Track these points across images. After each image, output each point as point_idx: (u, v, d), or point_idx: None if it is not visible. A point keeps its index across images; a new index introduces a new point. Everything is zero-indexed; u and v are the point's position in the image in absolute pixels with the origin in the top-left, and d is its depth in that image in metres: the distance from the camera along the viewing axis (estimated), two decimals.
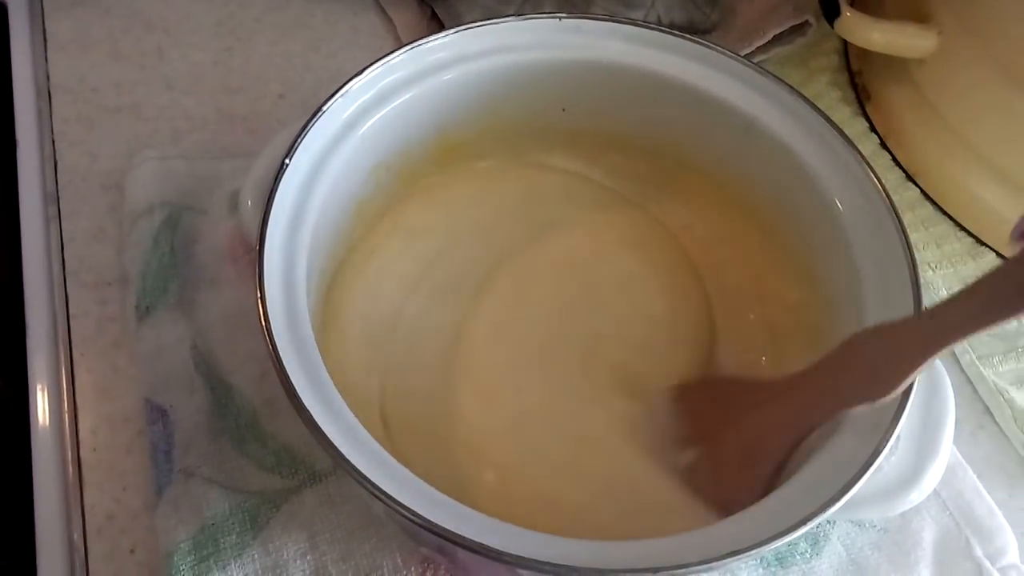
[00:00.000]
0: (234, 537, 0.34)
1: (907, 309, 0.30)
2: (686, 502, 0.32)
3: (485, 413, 0.35)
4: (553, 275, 0.38)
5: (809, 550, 0.36)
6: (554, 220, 0.40)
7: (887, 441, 0.27)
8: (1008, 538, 0.37)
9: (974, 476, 0.39)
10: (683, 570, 0.24)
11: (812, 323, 0.35)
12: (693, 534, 0.25)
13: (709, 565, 0.24)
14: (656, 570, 0.24)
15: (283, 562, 0.34)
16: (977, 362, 0.42)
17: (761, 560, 0.36)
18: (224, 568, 0.33)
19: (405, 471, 0.25)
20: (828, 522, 0.37)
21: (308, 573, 0.34)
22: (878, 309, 0.31)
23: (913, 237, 0.31)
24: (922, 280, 0.31)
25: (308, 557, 0.34)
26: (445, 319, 0.36)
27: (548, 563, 0.23)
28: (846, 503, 0.26)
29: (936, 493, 0.38)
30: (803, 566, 0.36)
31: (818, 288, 0.35)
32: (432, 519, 0.24)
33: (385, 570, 0.34)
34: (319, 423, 0.25)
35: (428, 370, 0.35)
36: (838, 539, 0.37)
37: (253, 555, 0.34)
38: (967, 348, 0.42)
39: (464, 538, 0.23)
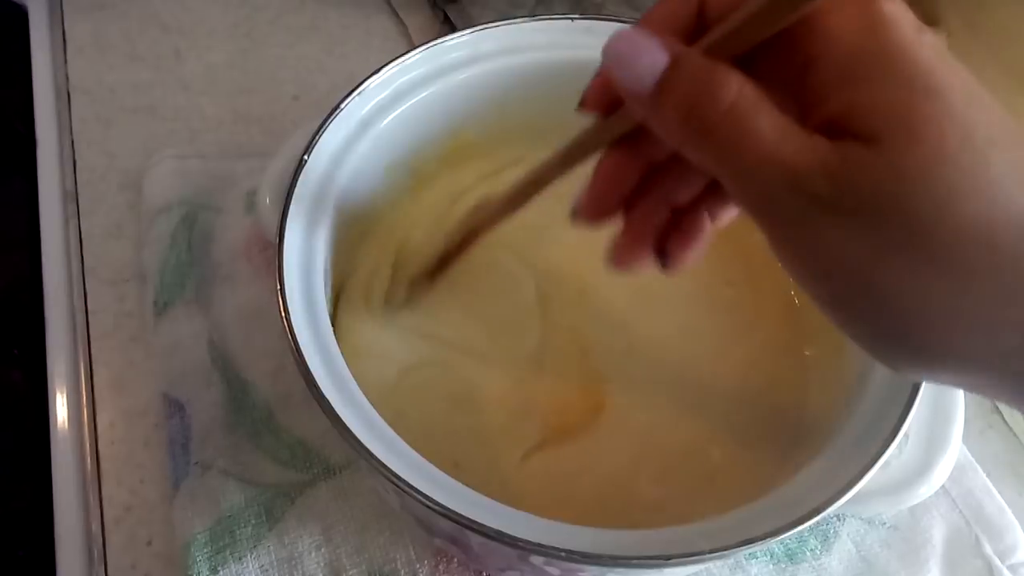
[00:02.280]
0: (250, 529, 0.34)
1: None
2: None
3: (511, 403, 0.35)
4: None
5: (819, 547, 0.37)
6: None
7: (896, 434, 0.27)
8: (1018, 536, 0.38)
9: (984, 475, 0.39)
10: (696, 558, 0.24)
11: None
12: (705, 523, 0.25)
13: (721, 553, 0.24)
14: (669, 557, 0.24)
15: (298, 554, 0.34)
16: None
17: (772, 556, 0.36)
18: (240, 559, 0.34)
19: (421, 459, 0.26)
20: (838, 519, 0.37)
21: (323, 565, 0.34)
22: None
23: None
24: None
25: (323, 550, 0.34)
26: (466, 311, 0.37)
27: (562, 549, 0.24)
28: (856, 495, 0.26)
29: (946, 491, 0.38)
30: (813, 562, 0.36)
31: None
32: (448, 505, 0.24)
33: (399, 563, 0.34)
34: (337, 411, 0.25)
35: (451, 364, 0.35)
36: (848, 536, 0.37)
37: (269, 547, 0.34)
38: None
39: (479, 524, 0.24)
